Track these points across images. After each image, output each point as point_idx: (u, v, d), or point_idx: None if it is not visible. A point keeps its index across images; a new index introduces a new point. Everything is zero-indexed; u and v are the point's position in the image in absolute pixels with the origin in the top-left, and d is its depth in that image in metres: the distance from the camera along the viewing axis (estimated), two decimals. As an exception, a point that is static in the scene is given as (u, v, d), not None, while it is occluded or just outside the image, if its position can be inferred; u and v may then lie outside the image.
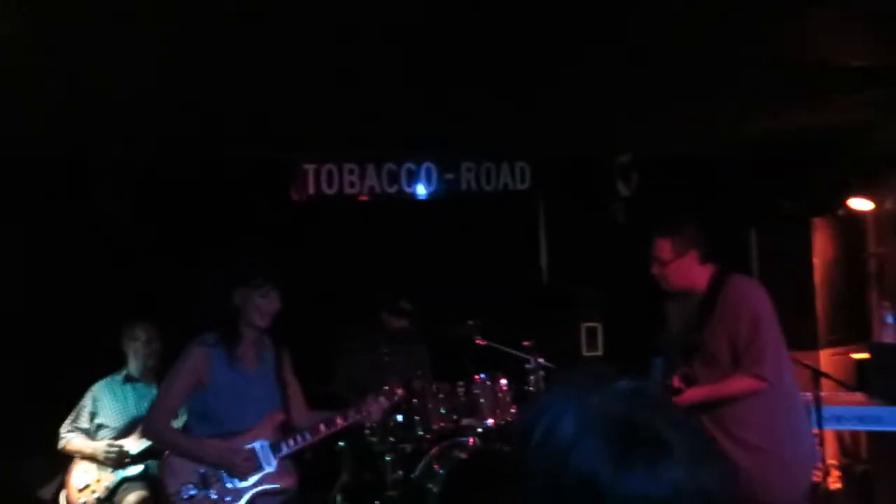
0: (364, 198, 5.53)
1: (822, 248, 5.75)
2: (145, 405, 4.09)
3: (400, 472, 4.33)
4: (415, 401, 4.39)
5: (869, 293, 5.44)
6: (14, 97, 3.39)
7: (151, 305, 4.35)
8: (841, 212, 5.62)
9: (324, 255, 5.36)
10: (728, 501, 0.66)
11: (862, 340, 5.16)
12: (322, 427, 3.00)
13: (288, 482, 2.96)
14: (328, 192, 5.50)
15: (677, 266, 3.14)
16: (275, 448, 2.92)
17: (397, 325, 4.90)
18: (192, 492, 2.81)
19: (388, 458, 4.34)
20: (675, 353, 3.15)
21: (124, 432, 4.04)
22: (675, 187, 5.80)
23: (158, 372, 4.16)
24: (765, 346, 2.98)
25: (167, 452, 2.97)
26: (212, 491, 2.84)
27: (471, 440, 4.34)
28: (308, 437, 2.98)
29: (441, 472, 4.16)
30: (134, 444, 4.02)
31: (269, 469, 2.90)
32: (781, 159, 5.51)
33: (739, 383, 3.01)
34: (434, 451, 4.33)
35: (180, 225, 4.89)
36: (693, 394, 2.95)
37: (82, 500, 3.94)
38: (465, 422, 4.45)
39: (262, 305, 2.86)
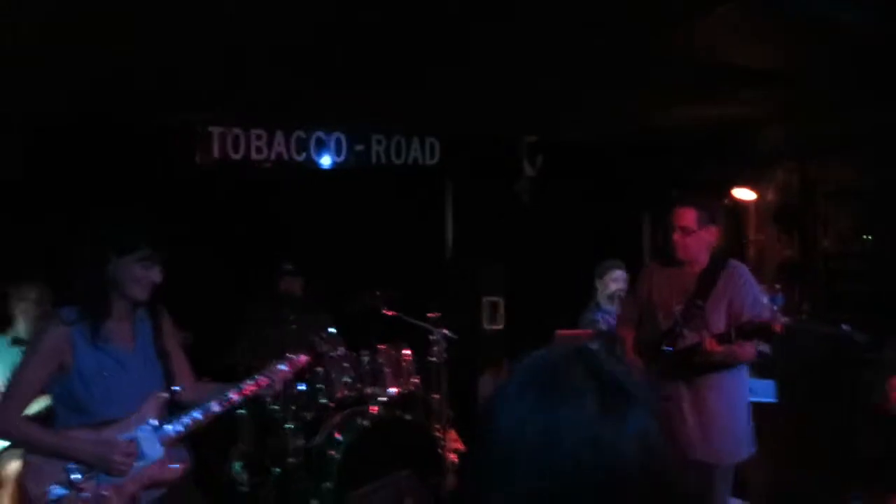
0: (269, 165, 5.46)
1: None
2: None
3: (301, 441, 4.37)
4: (318, 369, 4.42)
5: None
6: None
7: (43, 266, 4.16)
8: (726, 201, 6.01)
9: (228, 223, 5.29)
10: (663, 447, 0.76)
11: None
12: (215, 407, 2.60)
13: (173, 472, 2.56)
14: (234, 157, 5.40)
15: (699, 237, 3.31)
16: (160, 432, 2.53)
17: (290, 288, 4.94)
18: (59, 492, 2.39)
19: (289, 426, 4.36)
20: (658, 316, 3.37)
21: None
22: (578, 170, 6.04)
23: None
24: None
25: (22, 451, 2.55)
26: (85, 492, 2.40)
27: (373, 408, 4.42)
28: (199, 417, 2.58)
29: (342, 439, 4.22)
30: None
31: (154, 457, 2.51)
32: (675, 149, 5.83)
33: (749, 351, 3.26)
34: (336, 418, 4.38)
35: (79, 184, 4.69)
36: (714, 347, 3.13)
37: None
38: (368, 390, 4.52)
39: (143, 276, 2.50)
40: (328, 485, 4.09)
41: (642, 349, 3.44)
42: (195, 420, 2.58)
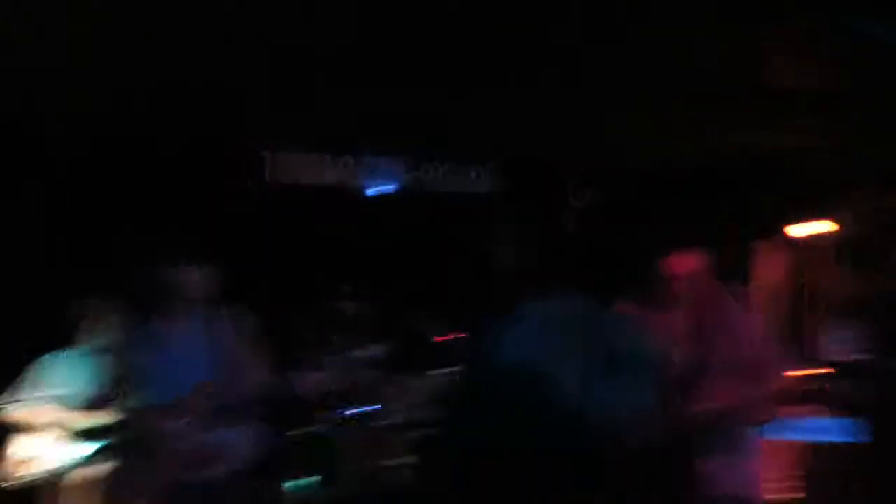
0: (324, 189, 5.53)
1: (762, 271, 6.03)
2: (95, 381, 4.00)
3: (352, 462, 4.34)
4: (372, 392, 4.42)
5: (804, 315, 5.73)
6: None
7: (113, 282, 4.25)
8: (780, 236, 5.91)
9: (280, 247, 5.35)
10: None
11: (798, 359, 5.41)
12: (249, 396, 2.97)
13: (216, 456, 2.90)
14: (290, 180, 5.48)
15: (701, 279, 2.89)
16: (200, 421, 2.88)
17: (342, 308, 4.97)
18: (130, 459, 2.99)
19: (341, 448, 4.35)
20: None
21: (73, 406, 3.93)
22: (626, 200, 6.00)
23: (111, 348, 4.08)
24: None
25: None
26: (140, 463, 2.95)
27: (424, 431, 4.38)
28: (233, 407, 2.95)
29: (392, 462, 4.20)
30: (82, 420, 3.92)
31: (197, 441, 2.87)
32: (727, 180, 5.77)
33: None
34: (387, 441, 4.36)
35: (138, 203, 4.80)
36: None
37: (23, 472, 3.82)
38: (418, 414, 4.50)
39: (190, 279, 2.93)
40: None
41: None
42: (235, 413, 2.93)
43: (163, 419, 2.85)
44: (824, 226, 5.67)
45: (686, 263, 2.86)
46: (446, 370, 4.64)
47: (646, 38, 3.20)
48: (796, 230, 5.70)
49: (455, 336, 4.66)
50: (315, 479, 4.44)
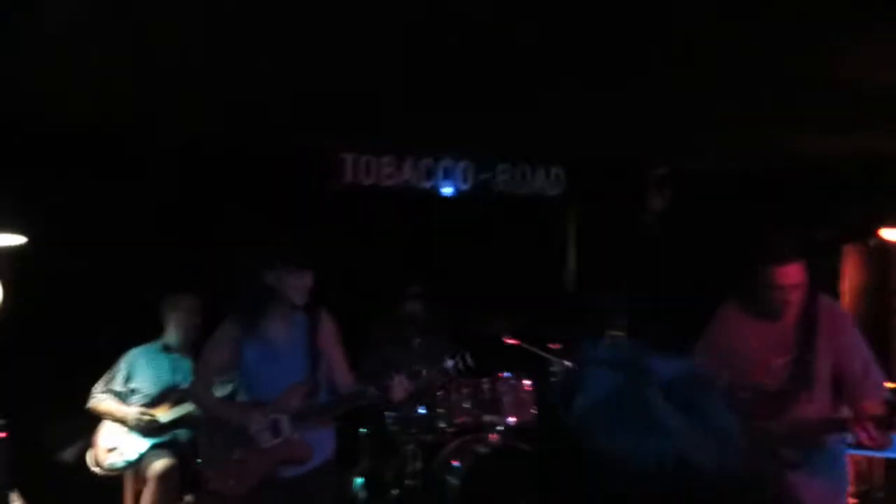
0: (398, 190, 5.59)
1: (851, 276, 5.76)
2: (179, 376, 4.17)
3: (420, 463, 4.38)
4: (439, 393, 4.44)
5: (893, 323, 5.45)
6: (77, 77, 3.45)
7: (196, 280, 4.41)
8: (872, 241, 5.62)
9: (356, 246, 5.43)
10: (719, 479, 0.71)
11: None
12: (341, 402, 3.14)
13: (305, 453, 3.05)
14: (364, 182, 5.56)
15: (804, 288, 2.84)
16: (294, 419, 3.02)
17: (415, 310, 4.99)
18: (220, 451, 3.05)
19: (408, 448, 4.39)
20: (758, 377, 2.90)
21: (156, 400, 4.10)
22: (710, 202, 5.84)
23: (195, 345, 4.24)
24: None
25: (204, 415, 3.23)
26: (236, 453, 3.02)
27: (491, 436, 4.38)
28: (327, 411, 3.13)
29: (458, 465, 4.20)
30: (165, 413, 4.09)
31: (287, 438, 3.01)
32: (816, 182, 5.53)
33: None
34: (453, 444, 4.38)
35: (223, 204, 4.96)
36: (871, 434, 2.64)
37: (110, 460, 4.01)
38: (486, 418, 4.50)
39: (296, 284, 3.01)
40: (446, 510, 4.08)
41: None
42: (323, 412, 3.09)
43: (259, 415, 2.99)
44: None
45: (794, 274, 2.81)
46: (513, 374, 4.62)
47: (730, 35, 3.10)
48: (889, 234, 5.41)
49: (525, 340, 4.63)
50: (381, 477, 4.50)
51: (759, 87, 3.77)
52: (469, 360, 3.40)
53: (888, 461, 4.65)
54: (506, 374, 4.59)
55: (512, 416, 4.52)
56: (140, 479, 4.02)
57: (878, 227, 5.45)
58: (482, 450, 4.27)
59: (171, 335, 4.23)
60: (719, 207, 5.86)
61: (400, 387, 3.15)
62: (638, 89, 3.91)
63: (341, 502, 4.29)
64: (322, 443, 3.12)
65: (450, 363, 3.32)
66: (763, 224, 5.86)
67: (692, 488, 0.71)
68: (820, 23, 2.90)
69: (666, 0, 2.76)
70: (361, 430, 4.58)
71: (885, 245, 5.55)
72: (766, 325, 2.89)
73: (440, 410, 4.46)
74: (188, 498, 4.09)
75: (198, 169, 4.93)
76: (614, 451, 0.74)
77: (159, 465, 3.95)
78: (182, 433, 4.11)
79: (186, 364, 4.20)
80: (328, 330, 3.17)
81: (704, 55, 3.35)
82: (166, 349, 4.23)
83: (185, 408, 4.07)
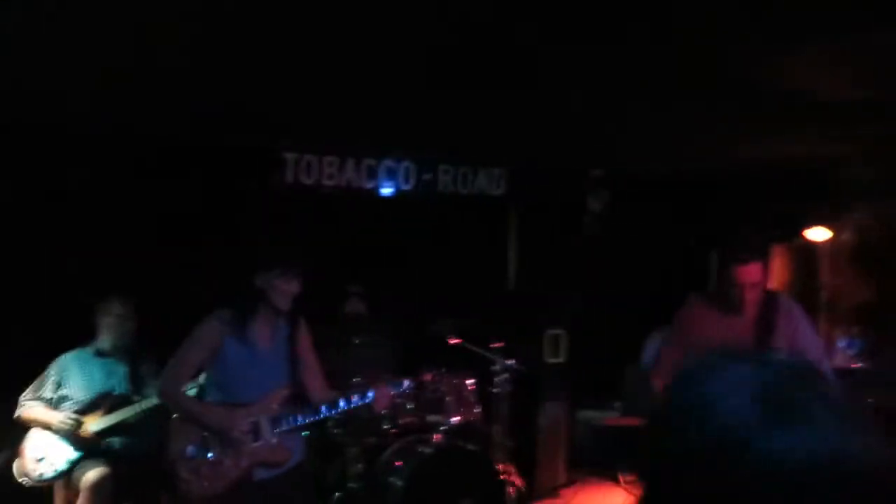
0: (339, 191, 5.55)
1: (778, 274, 5.99)
2: (113, 381, 4.04)
3: (361, 465, 4.36)
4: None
5: (819, 320, 5.69)
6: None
7: (128, 283, 4.29)
8: (797, 240, 5.87)
9: (298, 246, 5.36)
10: (873, 479, 0.68)
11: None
12: (323, 409, 3.14)
13: (284, 456, 3.06)
14: (306, 182, 5.51)
15: (763, 286, 3.15)
16: (275, 422, 3.03)
17: (356, 310, 4.97)
18: (194, 452, 2.99)
19: (351, 450, 4.37)
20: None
21: (89, 407, 3.96)
22: (646, 203, 5.99)
23: (129, 349, 4.13)
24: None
25: (175, 416, 3.10)
26: (211, 454, 2.99)
27: (435, 436, 4.40)
28: (309, 416, 3.13)
29: (401, 466, 4.20)
30: (98, 420, 3.96)
31: (267, 441, 3.01)
32: (746, 185, 5.73)
33: None
34: (396, 445, 4.37)
35: (158, 204, 4.84)
36: None
37: (39, 470, 3.85)
38: (430, 418, 4.51)
39: (284, 289, 3.01)
40: (389, 511, 4.07)
41: None
42: (305, 418, 3.10)
43: (241, 418, 2.98)
44: (842, 231, 5.61)
45: (754, 273, 3.08)
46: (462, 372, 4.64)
47: (666, 42, 3.18)
48: (815, 234, 5.66)
49: (468, 340, 4.65)
50: (323, 479, 4.46)
51: (693, 96, 3.88)
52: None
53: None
54: (448, 374, 4.60)
55: (456, 415, 4.54)
56: (72, 490, 3.85)
57: (803, 228, 5.70)
58: (426, 450, 4.27)
59: (104, 339, 4.09)
60: (656, 208, 6.03)
61: (383, 395, 3.23)
62: (575, 96, 3.98)
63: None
64: (296, 445, 3.17)
65: (406, 383, 3.38)
66: (696, 224, 6.06)
67: (849, 483, 0.68)
68: (752, 34, 3.01)
69: (604, 8, 2.82)
70: (303, 432, 4.53)
71: (809, 244, 5.80)
72: (729, 318, 3.14)
73: (383, 412, 4.44)
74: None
75: (135, 168, 4.81)
76: (777, 451, 0.69)
77: (92, 474, 3.80)
78: (116, 441, 3.98)
79: (121, 369, 4.08)
80: (305, 337, 3.21)
81: (640, 65, 3.43)
82: (99, 354, 4.09)
83: (120, 415, 3.95)
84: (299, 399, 3.17)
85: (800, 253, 6.03)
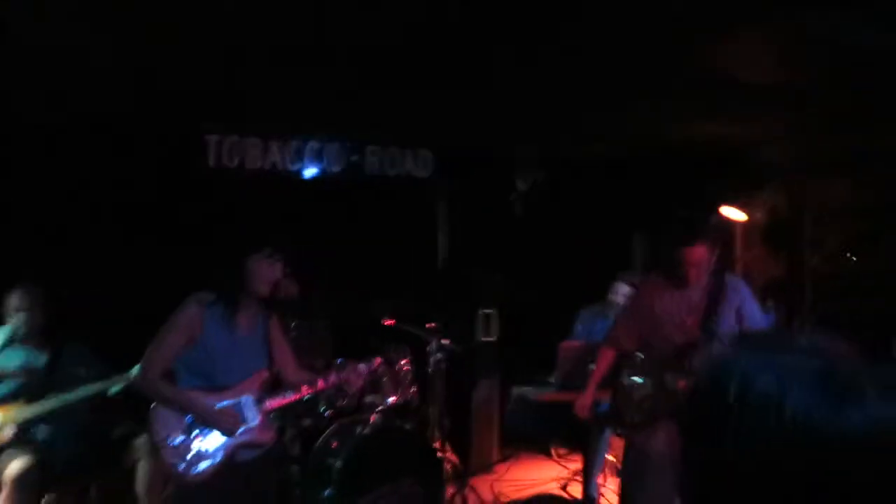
0: (264, 173, 5.45)
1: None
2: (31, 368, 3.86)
3: (298, 448, 4.32)
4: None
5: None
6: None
7: (32, 270, 4.08)
8: (714, 219, 6.11)
9: (224, 228, 5.23)
10: None
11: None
12: (304, 388, 3.22)
13: (267, 437, 3.13)
14: (229, 165, 5.37)
15: (709, 265, 3.43)
16: (258, 403, 3.08)
17: (289, 292, 4.88)
18: (179, 439, 2.95)
19: (287, 433, 4.31)
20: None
21: (9, 397, 3.77)
22: (573, 184, 6.11)
23: (42, 336, 3.95)
24: None
25: (154, 403, 2.99)
26: (195, 440, 2.97)
27: (372, 417, 4.39)
28: (290, 395, 3.19)
29: (339, 447, 4.18)
30: (19, 410, 3.77)
31: (251, 423, 3.05)
32: (670, 166, 5.93)
33: None
34: (334, 427, 4.34)
35: (75, 188, 4.63)
36: None
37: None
38: (367, 399, 4.50)
39: (267, 273, 3.01)
40: (328, 493, 4.04)
41: (653, 364, 3.50)
42: (287, 397, 3.17)
43: (223, 402, 2.98)
44: (755, 210, 5.89)
45: (699, 252, 3.40)
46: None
47: (594, 26, 3.25)
48: (727, 211, 5.91)
49: (401, 321, 4.66)
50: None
51: (622, 77, 3.99)
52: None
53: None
54: (383, 355, 4.59)
55: (392, 395, 4.54)
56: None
57: (721, 206, 5.94)
58: (363, 431, 4.26)
59: (18, 328, 3.89)
60: (582, 188, 6.16)
61: (356, 374, 3.35)
62: (504, 78, 4.02)
63: (282, 484, 4.21)
64: (272, 424, 3.24)
65: (362, 367, 3.45)
66: (620, 204, 6.23)
67: None
68: (682, 18, 3.11)
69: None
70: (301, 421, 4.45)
71: (724, 222, 6.05)
72: (680, 293, 3.48)
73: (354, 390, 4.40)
74: (47, 498, 3.81)
75: (59, 150, 4.58)
76: (853, 427, 0.72)
77: (16, 465, 3.61)
78: (41, 430, 3.80)
79: (41, 358, 3.90)
80: (276, 323, 3.24)
81: (565, 46, 3.50)
82: (14, 342, 3.89)
83: (44, 404, 3.78)
84: (276, 382, 3.21)
85: (718, 230, 6.28)
